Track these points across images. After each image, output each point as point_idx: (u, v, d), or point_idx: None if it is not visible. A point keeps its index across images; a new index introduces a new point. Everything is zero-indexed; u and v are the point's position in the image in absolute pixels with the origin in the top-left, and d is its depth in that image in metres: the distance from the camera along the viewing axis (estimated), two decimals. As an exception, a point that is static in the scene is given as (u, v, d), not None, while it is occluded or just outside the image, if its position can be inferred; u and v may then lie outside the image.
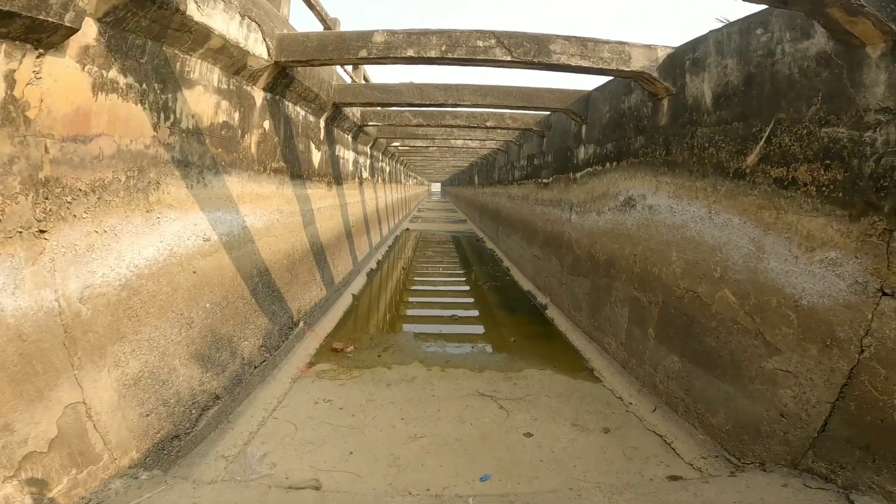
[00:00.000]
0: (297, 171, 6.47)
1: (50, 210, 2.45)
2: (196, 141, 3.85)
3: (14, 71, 2.20)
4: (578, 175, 6.83)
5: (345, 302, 7.47)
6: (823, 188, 2.80)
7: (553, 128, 8.32)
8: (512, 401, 4.17)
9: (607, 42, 4.37)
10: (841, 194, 2.70)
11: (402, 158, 20.34)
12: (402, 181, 25.22)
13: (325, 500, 2.52)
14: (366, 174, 12.45)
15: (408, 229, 20.69)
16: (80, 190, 2.63)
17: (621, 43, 4.39)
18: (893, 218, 2.43)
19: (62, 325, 2.43)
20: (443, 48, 4.29)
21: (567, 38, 4.31)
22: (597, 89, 6.28)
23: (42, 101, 2.37)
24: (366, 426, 3.64)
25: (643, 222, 4.72)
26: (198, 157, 3.87)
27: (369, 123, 9.03)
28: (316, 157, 7.42)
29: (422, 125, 8.56)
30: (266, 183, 5.38)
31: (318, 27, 6.76)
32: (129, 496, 2.32)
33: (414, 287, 9.52)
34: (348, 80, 8.36)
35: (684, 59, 4.16)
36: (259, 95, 5.01)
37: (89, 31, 2.63)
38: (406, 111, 8.48)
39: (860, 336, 2.52)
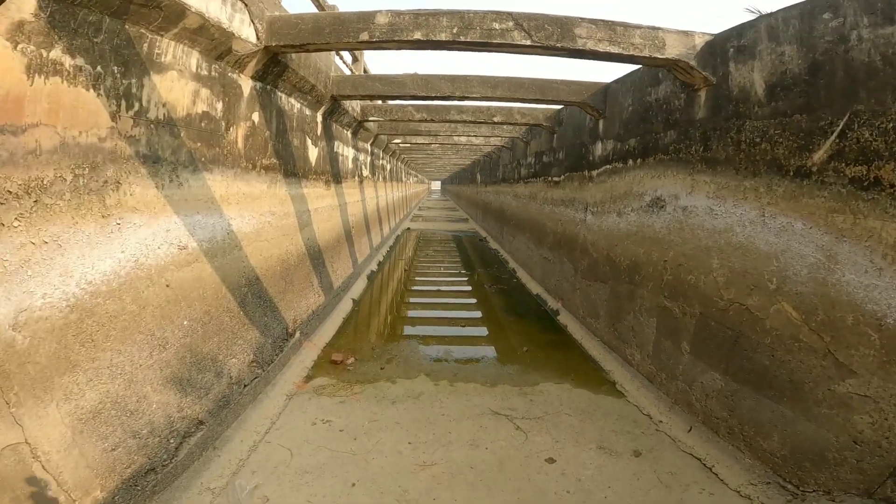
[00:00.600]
0: (291, 168, 5.97)
1: (-33, 218, 1.97)
2: (168, 133, 3.34)
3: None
4: (595, 173, 6.39)
5: (345, 308, 7.04)
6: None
7: (565, 123, 7.86)
8: (529, 420, 3.84)
9: (638, 27, 3.88)
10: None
11: (402, 156, 19.90)
12: (403, 179, 24.82)
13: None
14: (366, 172, 12.00)
15: (409, 229, 20.44)
16: (8, 192, 2.15)
17: (654, 28, 3.90)
18: None
19: (-13, 359, 2.00)
20: (454, 30, 3.80)
21: (593, 22, 3.83)
22: (616, 81, 5.80)
23: (-44, 82, 1.89)
24: (369, 452, 3.31)
25: (675, 225, 4.32)
26: (170, 151, 3.37)
27: (370, 118, 8.60)
28: (313, 153, 6.92)
29: (425, 120, 8.12)
30: (255, 182, 4.88)
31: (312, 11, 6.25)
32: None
33: (417, 289, 9.22)
34: (347, 73, 7.87)
35: (727, 47, 3.74)
36: (247, 84, 4.51)
37: (25, 5, 2.20)
38: (409, 106, 8.12)
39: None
